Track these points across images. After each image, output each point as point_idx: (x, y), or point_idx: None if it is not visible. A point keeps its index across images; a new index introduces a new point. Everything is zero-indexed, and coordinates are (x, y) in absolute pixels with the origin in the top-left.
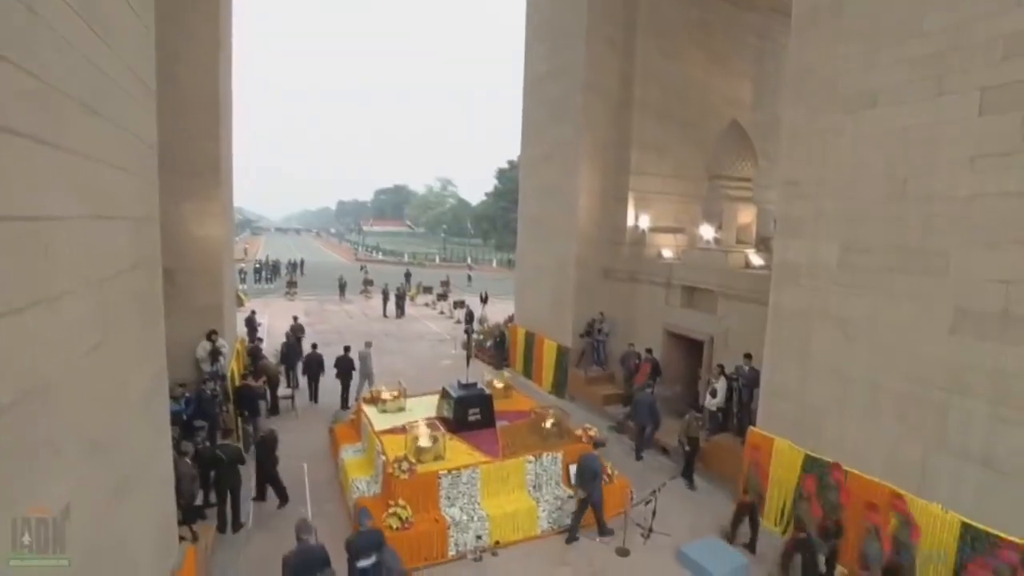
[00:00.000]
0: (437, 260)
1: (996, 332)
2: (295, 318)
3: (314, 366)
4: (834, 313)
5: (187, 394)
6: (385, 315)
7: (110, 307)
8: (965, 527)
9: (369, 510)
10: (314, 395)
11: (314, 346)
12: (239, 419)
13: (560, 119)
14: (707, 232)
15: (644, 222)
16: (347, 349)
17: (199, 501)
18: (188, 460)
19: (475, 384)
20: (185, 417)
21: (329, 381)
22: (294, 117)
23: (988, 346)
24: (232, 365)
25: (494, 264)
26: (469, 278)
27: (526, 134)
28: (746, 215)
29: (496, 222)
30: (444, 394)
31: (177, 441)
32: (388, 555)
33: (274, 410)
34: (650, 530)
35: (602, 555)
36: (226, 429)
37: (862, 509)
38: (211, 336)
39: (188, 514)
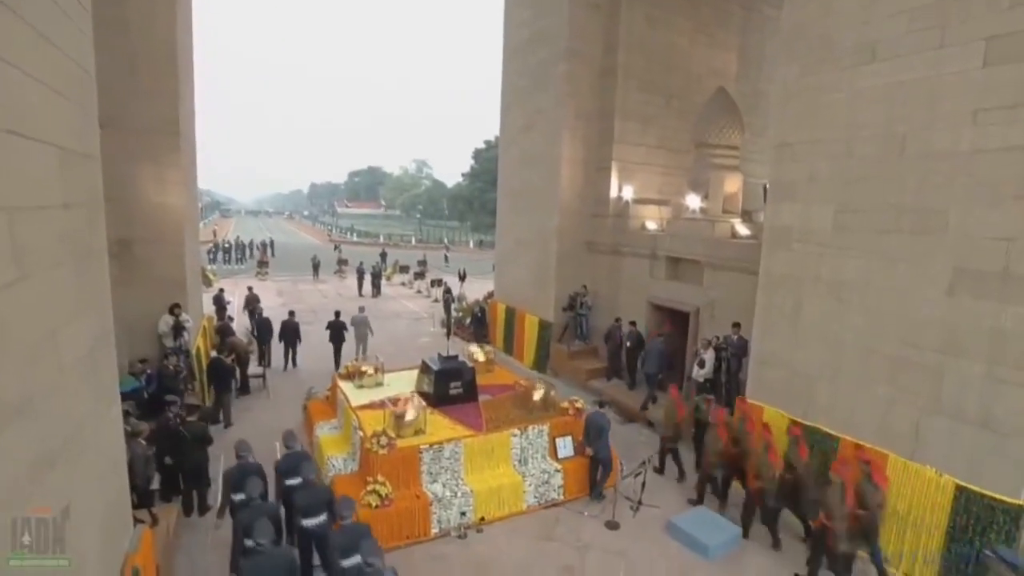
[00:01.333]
0: (413, 241)
1: (995, 291)
2: (249, 288)
3: (290, 333)
4: (827, 277)
5: (148, 371)
6: (361, 294)
7: (29, 243)
8: (960, 490)
9: (294, 433)
10: (292, 361)
11: (291, 313)
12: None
13: (541, 87)
14: (693, 202)
15: (628, 193)
16: (337, 314)
17: (155, 485)
18: (142, 440)
19: (456, 356)
20: (146, 395)
21: (307, 349)
22: (267, 101)
23: (986, 306)
24: (199, 342)
25: (471, 245)
26: (446, 258)
27: (506, 104)
28: (733, 184)
29: (473, 203)
30: (424, 368)
31: (127, 418)
32: (307, 470)
33: (244, 389)
34: (639, 503)
35: (591, 529)
36: (191, 406)
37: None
38: (174, 310)
39: (144, 498)
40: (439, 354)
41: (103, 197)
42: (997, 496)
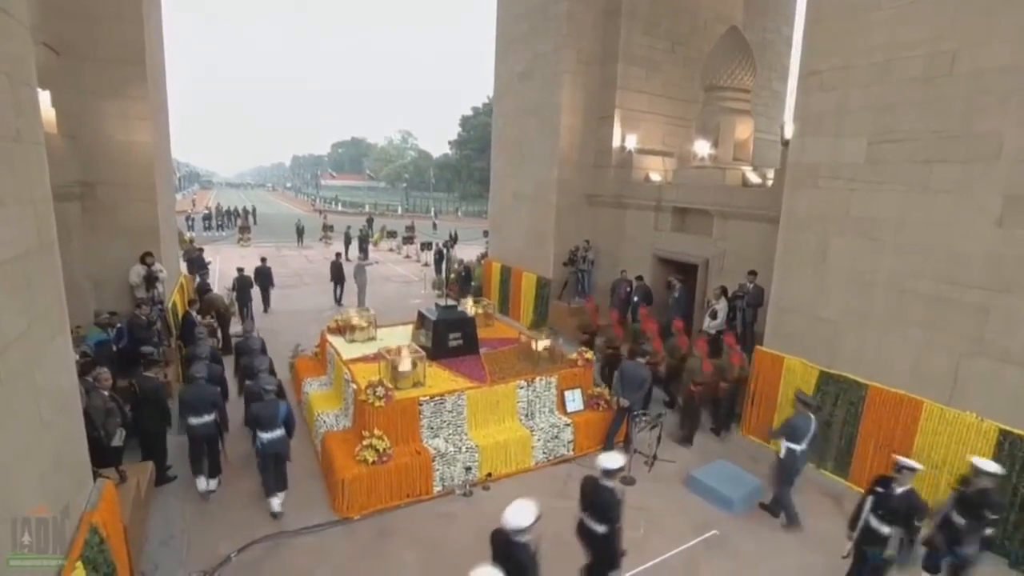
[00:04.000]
0: (400, 211)
1: None
2: (191, 239)
3: (263, 277)
4: (857, 215)
5: (119, 324)
6: (348, 259)
7: None
8: (1004, 435)
9: (254, 321)
10: (266, 305)
11: (263, 260)
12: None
13: (541, 31)
14: (702, 148)
15: (631, 143)
16: (338, 255)
17: (117, 441)
18: (104, 392)
19: (455, 306)
20: (116, 348)
21: (290, 304)
22: (248, 75)
23: None
24: (175, 297)
25: (458, 214)
26: (434, 225)
27: (501, 50)
28: (744, 130)
29: (461, 171)
30: (420, 320)
31: (82, 370)
32: (255, 344)
33: (226, 348)
34: (654, 457)
35: None
36: (151, 360)
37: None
38: (145, 259)
39: (107, 454)
40: (436, 304)
41: (36, 80)
42: None
